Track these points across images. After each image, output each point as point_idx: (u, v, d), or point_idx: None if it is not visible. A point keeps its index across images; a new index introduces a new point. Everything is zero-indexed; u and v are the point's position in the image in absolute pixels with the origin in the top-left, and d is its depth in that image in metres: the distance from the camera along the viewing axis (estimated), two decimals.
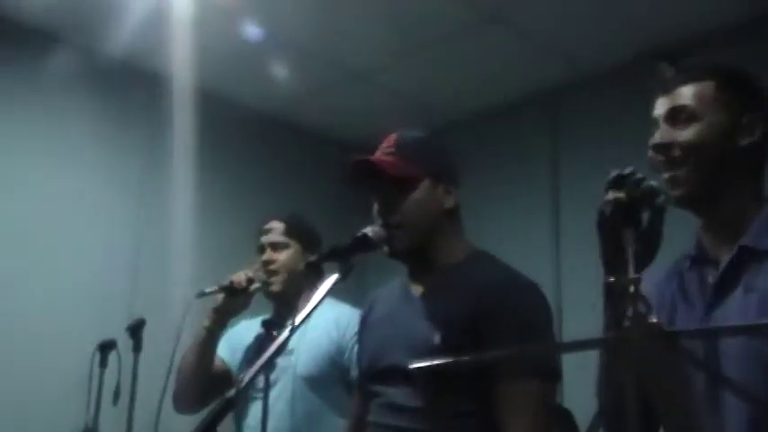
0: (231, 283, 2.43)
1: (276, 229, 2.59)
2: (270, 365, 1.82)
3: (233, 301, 2.45)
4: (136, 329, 2.53)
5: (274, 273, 2.52)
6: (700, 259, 1.44)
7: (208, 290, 2.46)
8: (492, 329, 1.64)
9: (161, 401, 2.31)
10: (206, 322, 2.47)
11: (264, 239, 2.58)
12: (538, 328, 1.68)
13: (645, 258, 1.18)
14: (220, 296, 2.46)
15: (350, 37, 3.75)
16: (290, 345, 2.40)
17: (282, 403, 2.39)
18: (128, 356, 2.51)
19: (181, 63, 3.71)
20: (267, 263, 2.53)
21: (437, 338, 1.67)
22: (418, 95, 4.26)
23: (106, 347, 2.63)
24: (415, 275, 1.84)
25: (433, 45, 3.78)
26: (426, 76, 4.07)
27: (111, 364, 2.60)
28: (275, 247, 2.55)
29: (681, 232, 1.29)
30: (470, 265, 1.78)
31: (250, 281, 2.45)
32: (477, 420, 1.64)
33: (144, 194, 3.92)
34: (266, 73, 3.98)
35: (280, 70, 3.97)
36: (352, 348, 2.32)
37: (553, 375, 1.67)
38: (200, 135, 3.90)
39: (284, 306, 2.50)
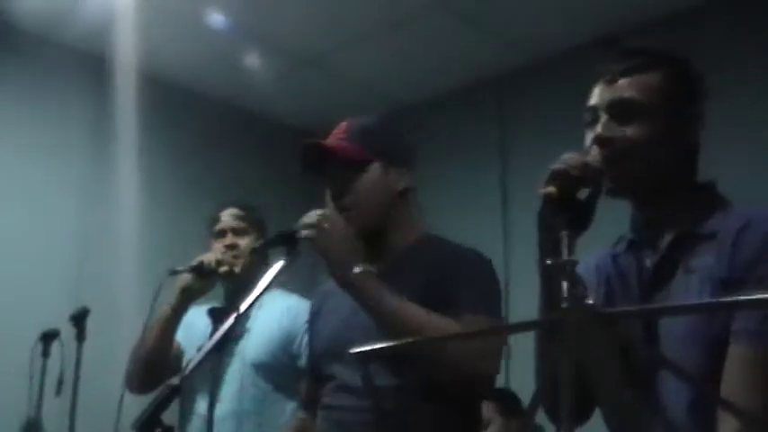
0: (201, 263, 2.42)
1: (236, 215, 2.59)
2: (219, 353, 1.80)
3: (200, 282, 2.44)
4: (79, 318, 2.50)
5: (238, 257, 2.51)
6: (636, 243, 1.45)
7: (179, 268, 2.45)
8: (446, 296, 1.68)
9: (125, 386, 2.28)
10: (172, 301, 2.44)
11: (225, 224, 2.58)
12: (489, 297, 1.73)
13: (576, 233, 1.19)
14: (188, 276, 2.44)
15: (302, 23, 3.74)
16: (240, 328, 2.42)
17: (231, 387, 2.39)
18: (71, 346, 2.47)
19: (126, 46, 3.66)
20: (232, 246, 2.52)
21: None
22: (368, 81, 4.26)
23: (49, 337, 2.59)
24: (369, 259, 1.84)
25: (383, 31, 3.78)
26: (378, 62, 4.08)
27: (55, 354, 2.56)
28: (236, 231, 2.55)
29: (611, 214, 1.30)
30: (422, 246, 1.80)
31: (219, 263, 2.44)
32: (425, 396, 1.67)
33: (90, 182, 3.85)
34: (219, 59, 3.96)
35: (234, 56, 3.94)
36: (303, 336, 2.33)
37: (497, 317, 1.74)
38: (147, 121, 3.85)
39: (240, 291, 2.49)
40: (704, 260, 1.31)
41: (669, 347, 1.30)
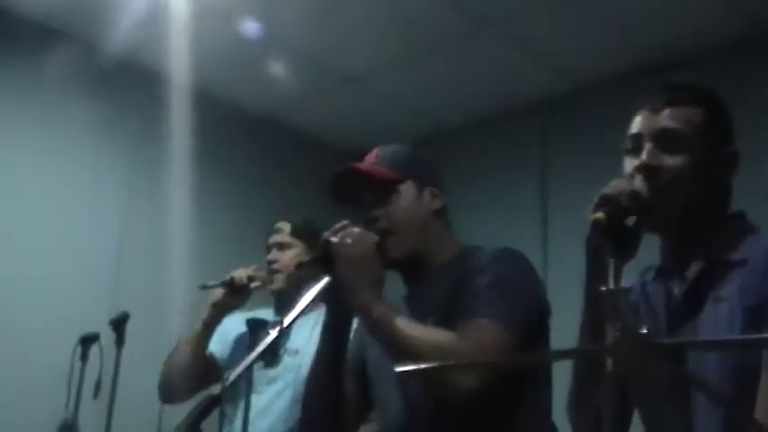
0: (232, 279, 2.47)
1: (282, 230, 2.65)
2: (269, 357, 1.83)
3: (232, 298, 2.49)
4: (119, 323, 2.54)
5: (277, 272, 2.56)
6: (665, 271, 1.46)
7: (210, 283, 2.50)
8: (463, 293, 1.64)
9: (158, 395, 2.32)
10: (204, 315, 2.50)
11: (271, 240, 2.65)
12: (502, 294, 1.63)
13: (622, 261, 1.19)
14: (219, 291, 2.48)
15: (345, 41, 3.77)
16: (296, 345, 2.45)
17: (283, 402, 2.43)
18: (110, 350, 2.51)
19: (177, 61, 3.71)
20: (270, 262, 2.60)
21: (430, 322, 1.66)
22: (411, 102, 4.28)
23: (88, 341, 2.62)
24: (407, 280, 1.84)
25: (426, 52, 3.80)
26: (419, 83, 4.09)
27: (93, 358, 2.60)
28: (280, 247, 2.62)
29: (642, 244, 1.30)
30: (457, 261, 1.77)
31: (250, 279, 2.49)
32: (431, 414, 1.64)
33: (133, 189, 3.91)
34: (262, 74, 3.99)
35: (275, 72, 3.97)
36: None
37: (510, 319, 1.61)
38: (192, 133, 3.90)
39: (283, 305, 2.54)
40: (733, 288, 1.32)
41: (699, 374, 1.30)
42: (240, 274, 2.49)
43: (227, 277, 2.49)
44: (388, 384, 1.74)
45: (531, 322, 1.66)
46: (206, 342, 2.53)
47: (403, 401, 1.70)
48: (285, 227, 2.65)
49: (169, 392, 2.49)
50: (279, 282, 2.56)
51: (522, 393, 1.65)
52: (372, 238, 1.70)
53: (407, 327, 1.59)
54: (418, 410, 1.66)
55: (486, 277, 1.65)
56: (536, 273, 1.74)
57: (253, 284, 2.50)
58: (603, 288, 0.90)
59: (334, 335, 1.78)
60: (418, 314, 1.70)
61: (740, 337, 1.22)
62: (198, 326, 2.51)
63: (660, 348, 0.78)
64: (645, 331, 0.78)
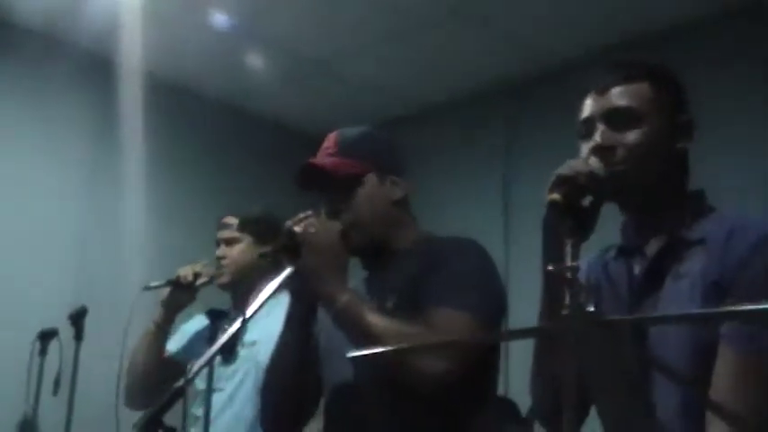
0: (177, 277, 2.47)
1: (230, 225, 2.64)
2: (226, 354, 1.81)
3: (179, 295, 2.49)
4: (78, 318, 2.51)
5: (225, 267, 2.57)
6: (626, 249, 1.47)
7: (154, 284, 2.50)
8: (428, 280, 1.66)
9: (118, 390, 2.30)
10: (155, 317, 2.49)
11: (219, 235, 2.64)
12: (463, 286, 1.65)
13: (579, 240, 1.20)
14: (166, 290, 2.47)
15: (311, 26, 3.74)
16: (252, 337, 2.44)
17: (245, 391, 2.42)
18: (69, 345, 2.48)
19: (135, 48, 3.67)
20: (219, 258, 2.59)
21: (390, 304, 1.68)
22: (378, 85, 4.27)
23: (47, 336, 2.59)
24: (368, 266, 1.84)
25: (393, 36, 3.79)
26: (386, 67, 4.09)
27: (53, 353, 2.56)
28: (228, 242, 2.61)
29: (601, 221, 1.31)
30: (418, 247, 1.79)
31: (196, 275, 2.49)
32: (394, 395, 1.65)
33: (93, 181, 3.85)
34: (229, 60, 3.97)
35: (243, 57, 3.95)
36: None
37: (478, 312, 1.62)
38: (155, 122, 3.85)
39: (239, 298, 2.55)
40: (693, 265, 1.33)
41: (659, 351, 1.32)
42: (185, 271, 2.49)
43: (173, 276, 2.48)
44: (339, 364, 1.73)
45: (494, 317, 1.68)
46: (161, 343, 2.52)
47: (355, 381, 1.70)
48: (232, 221, 2.64)
49: (132, 399, 2.49)
50: (226, 275, 2.55)
51: (477, 381, 1.68)
52: (336, 226, 1.71)
53: (374, 317, 1.60)
54: (371, 392, 1.67)
55: (453, 266, 1.67)
56: (496, 268, 1.76)
57: (199, 281, 2.50)
58: (550, 267, 0.90)
59: (299, 324, 1.78)
60: (377, 298, 1.72)
61: (688, 312, 1.23)
62: (150, 327, 2.51)
63: (610, 325, 0.79)
64: (593, 308, 0.78)
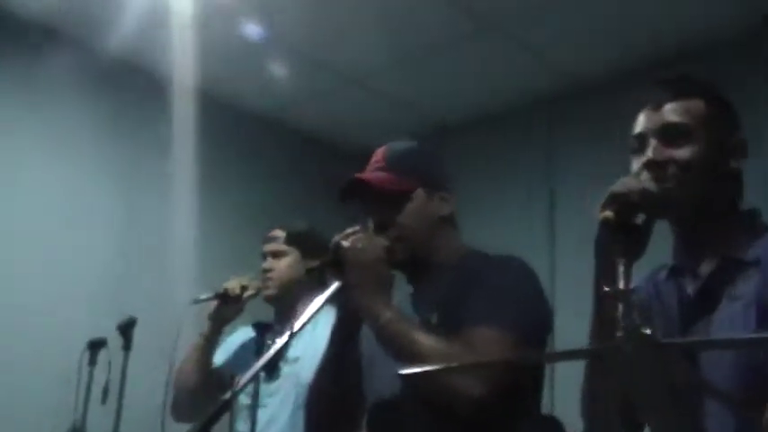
0: (225, 290, 2.48)
1: (277, 238, 2.65)
2: (269, 370, 1.82)
3: (226, 309, 2.51)
4: (126, 328, 2.54)
5: (271, 279, 2.57)
6: (678, 270, 1.45)
7: (202, 296, 2.52)
8: (469, 297, 1.64)
9: (165, 401, 2.32)
10: (202, 330, 2.52)
11: (266, 248, 2.65)
12: (503, 304, 1.62)
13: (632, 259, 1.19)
14: (214, 303, 2.49)
15: (347, 41, 3.76)
16: (296, 353, 2.44)
17: (286, 411, 2.42)
18: (118, 355, 2.51)
19: (178, 61, 3.72)
20: (265, 270, 2.59)
21: (433, 319, 1.67)
22: (413, 102, 4.27)
23: (96, 345, 2.64)
24: (412, 280, 1.84)
25: (429, 52, 3.79)
26: (422, 83, 4.08)
27: (101, 363, 2.60)
28: (275, 255, 2.61)
29: (653, 240, 1.29)
30: (463, 263, 1.77)
31: (243, 288, 2.51)
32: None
33: (137, 192, 3.91)
34: (264, 75, 3.99)
35: (277, 72, 3.97)
36: None
37: (517, 330, 1.60)
38: (195, 134, 3.90)
39: (283, 312, 2.56)
40: (747, 287, 1.31)
41: (712, 376, 1.29)
42: (233, 284, 2.50)
43: (220, 289, 2.49)
44: (382, 380, 1.73)
45: (537, 335, 1.66)
46: (209, 356, 2.53)
47: (397, 398, 1.69)
48: (280, 234, 2.64)
49: (179, 411, 2.49)
50: (272, 289, 2.56)
51: (520, 400, 1.65)
52: (382, 242, 1.70)
53: (417, 335, 1.59)
54: (413, 409, 1.65)
55: (494, 284, 1.65)
56: (541, 285, 1.73)
57: (246, 294, 2.51)
58: (607, 288, 0.89)
59: (344, 340, 1.78)
60: (422, 313, 1.72)
61: (749, 335, 1.21)
62: (198, 341, 2.53)
63: (665, 348, 0.77)
64: (649, 331, 0.77)
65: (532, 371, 1.72)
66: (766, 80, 3.28)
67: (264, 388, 2.42)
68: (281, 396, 2.45)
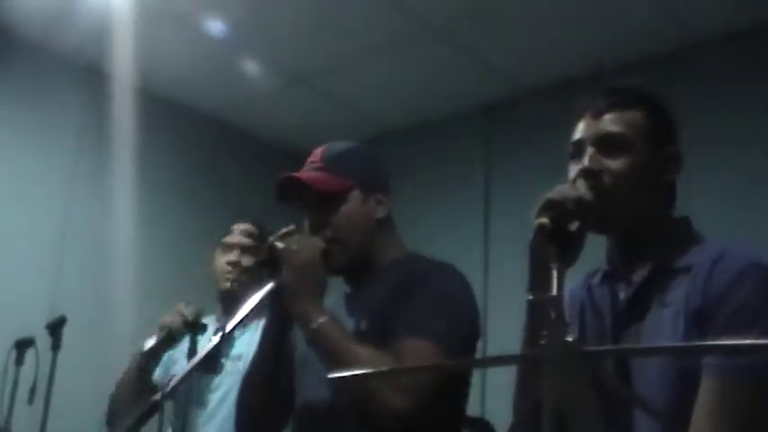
0: (170, 331, 2.25)
1: (248, 232, 2.58)
2: (210, 365, 1.79)
3: (169, 345, 2.31)
4: (56, 327, 2.47)
5: (231, 273, 2.51)
6: (611, 275, 1.47)
7: (148, 346, 2.31)
8: (399, 305, 1.64)
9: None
10: (138, 359, 2.33)
11: (235, 239, 2.57)
12: (438, 315, 1.62)
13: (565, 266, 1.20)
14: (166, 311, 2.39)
15: (290, 42, 3.74)
16: (239, 350, 2.41)
17: (227, 407, 2.36)
18: (46, 355, 2.45)
19: (120, 59, 3.66)
20: (234, 264, 2.52)
21: (363, 325, 1.67)
22: (356, 103, 4.27)
23: (23, 345, 2.56)
24: (350, 281, 1.84)
25: (371, 54, 3.79)
26: (365, 85, 4.08)
27: (29, 363, 2.53)
28: (244, 249, 2.54)
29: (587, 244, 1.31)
30: (398, 264, 1.77)
31: (186, 323, 2.24)
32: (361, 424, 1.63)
33: (75, 188, 3.82)
34: (209, 74, 3.96)
35: (222, 72, 3.95)
36: None
37: (444, 340, 1.61)
38: (136, 131, 3.84)
39: (228, 309, 2.49)
40: (678, 294, 1.33)
41: (642, 382, 1.31)
42: (175, 322, 2.24)
43: (162, 331, 2.26)
44: (312, 380, 1.72)
45: (467, 345, 1.68)
46: (146, 383, 2.32)
47: (326, 399, 1.68)
48: (249, 229, 2.59)
49: (114, 426, 2.35)
50: (231, 283, 2.50)
51: (446, 407, 1.67)
52: (318, 244, 1.69)
53: (347, 343, 1.59)
54: (341, 411, 1.65)
55: (426, 292, 1.65)
56: (472, 293, 1.75)
57: (187, 327, 2.22)
58: (531, 296, 0.90)
59: (275, 338, 1.76)
60: (355, 316, 1.72)
61: (674, 343, 1.23)
62: (133, 366, 2.33)
63: (588, 356, 0.78)
64: (572, 338, 0.78)
65: (460, 378, 1.73)
66: (695, 96, 3.36)
67: (205, 382, 2.38)
68: (223, 391, 2.42)
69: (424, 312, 1.62)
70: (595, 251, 1.44)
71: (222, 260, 2.55)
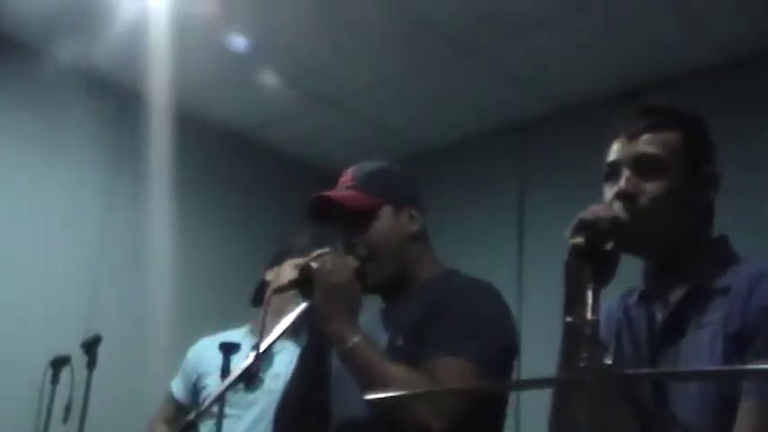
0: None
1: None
2: (249, 380, 1.78)
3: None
4: (91, 346, 2.50)
5: None
6: (648, 295, 1.45)
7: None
8: (435, 323, 1.63)
9: None
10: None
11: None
12: (474, 335, 1.61)
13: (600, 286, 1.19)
14: None
15: (326, 63, 3.76)
16: (277, 369, 2.40)
17: (263, 426, 2.36)
18: (81, 373, 2.47)
19: (156, 80, 3.70)
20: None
21: (399, 340, 1.66)
22: (390, 124, 4.28)
23: (59, 363, 2.59)
24: (386, 297, 1.83)
25: (407, 76, 3.80)
26: (399, 106, 4.09)
27: (65, 381, 2.56)
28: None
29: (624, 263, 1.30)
30: (437, 281, 1.76)
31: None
32: None
33: (111, 208, 3.86)
34: (243, 94, 3.99)
35: (256, 92, 3.96)
36: None
37: (481, 360, 1.59)
38: (171, 151, 3.87)
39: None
40: (715, 316, 1.30)
41: (680, 404, 1.29)
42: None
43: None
44: (349, 399, 1.70)
45: (504, 365, 1.67)
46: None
47: (362, 418, 1.67)
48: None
49: None
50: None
51: (482, 428, 1.64)
52: (352, 263, 1.69)
53: (381, 363, 1.58)
54: (377, 426, 1.63)
55: (463, 310, 1.64)
56: (509, 311, 1.73)
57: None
58: (569, 319, 0.89)
59: (312, 357, 1.76)
60: (391, 332, 1.71)
61: (713, 367, 1.20)
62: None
63: (627, 379, 0.77)
64: (610, 362, 0.77)
65: (496, 399, 1.71)
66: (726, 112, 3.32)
67: (242, 397, 2.38)
68: (259, 409, 2.42)
69: (461, 331, 1.61)
70: (629, 270, 1.43)
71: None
